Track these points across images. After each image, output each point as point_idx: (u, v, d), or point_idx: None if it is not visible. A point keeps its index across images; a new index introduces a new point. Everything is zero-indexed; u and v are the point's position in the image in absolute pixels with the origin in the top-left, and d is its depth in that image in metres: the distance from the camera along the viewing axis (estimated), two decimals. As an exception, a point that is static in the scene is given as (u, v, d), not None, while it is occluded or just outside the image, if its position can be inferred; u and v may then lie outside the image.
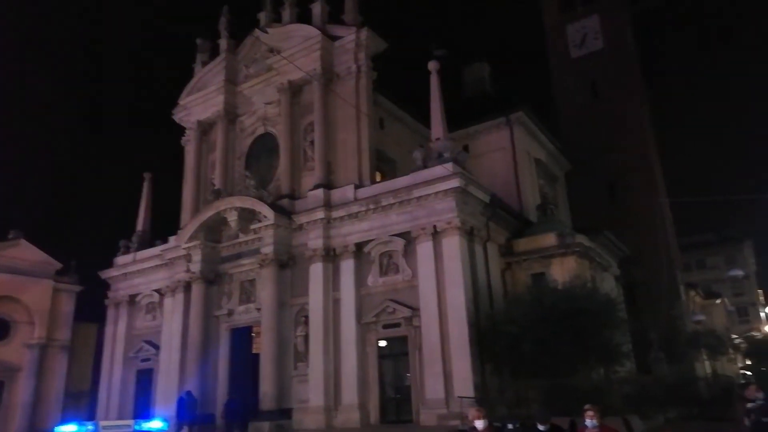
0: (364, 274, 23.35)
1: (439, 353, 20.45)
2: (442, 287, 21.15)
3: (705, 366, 38.64)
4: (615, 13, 42.83)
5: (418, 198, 22.27)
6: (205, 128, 30.98)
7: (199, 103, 30.90)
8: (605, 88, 40.89)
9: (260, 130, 29.02)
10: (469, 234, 22.30)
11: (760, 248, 70.30)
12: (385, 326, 22.47)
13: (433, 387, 20.26)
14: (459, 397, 18.90)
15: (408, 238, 22.50)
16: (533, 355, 18.15)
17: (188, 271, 27.28)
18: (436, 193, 21.89)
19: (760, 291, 69.26)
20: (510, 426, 13.93)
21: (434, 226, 21.81)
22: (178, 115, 32.18)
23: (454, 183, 21.50)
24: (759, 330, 57.60)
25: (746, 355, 45.00)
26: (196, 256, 26.77)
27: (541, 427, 5.94)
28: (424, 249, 21.92)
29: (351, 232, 23.91)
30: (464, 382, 19.55)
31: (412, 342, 21.63)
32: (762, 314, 65.59)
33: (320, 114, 26.10)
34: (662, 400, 23.27)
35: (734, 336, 47.24)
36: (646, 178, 38.98)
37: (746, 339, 46.85)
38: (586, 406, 5.92)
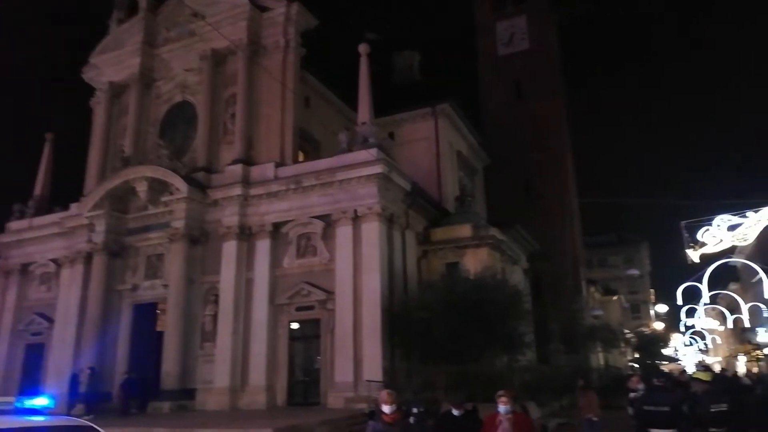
0: (280, 255, 22.88)
1: (351, 337, 20.44)
2: (359, 272, 21.10)
3: (599, 357, 41.33)
4: (542, 16, 44.16)
5: (341, 181, 22.02)
6: (117, 90, 29.01)
7: (112, 64, 28.84)
8: (528, 88, 42.20)
9: (178, 98, 27.54)
10: (389, 220, 22.37)
11: (655, 251, 76.13)
12: (299, 308, 22.17)
13: (342, 370, 20.25)
14: (367, 380, 19.02)
15: (328, 221, 22.24)
16: (443, 341, 18.52)
17: (90, 241, 25.57)
18: (359, 177, 21.74)
19: (652, 290, 75.01)
20: (415, 410, 14.14)
21: (355, 211, 21.68)
22: (88, 75, 29.94)
23: (378, 169, 21.43)
24: (648, 326, 62.35)
25: (635, 349, 48.66)
26: (100, 226, 25.11)
27: (455, 412, 5.87)
28: (344, 233, 21.76)
29: (269, 212, 23.31)
30: (374, 366, 19.69)
31: (325, 325, 21.48)
32: (652, 311, 71.09)
33: (244, 86, 25.12)
34: (558, 389, 24.56)
35: (626, 331, 50.79)
36: (560, 178, 40.75)
37: (636, 334, 50.60)
38: (500, 392, 5.81)
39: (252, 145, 24.63)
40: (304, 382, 21.75)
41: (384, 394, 6.00)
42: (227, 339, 22.11)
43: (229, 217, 23.47)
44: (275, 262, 22.80)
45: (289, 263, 22.67)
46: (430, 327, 18.68)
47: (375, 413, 5.92)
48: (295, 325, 22.35)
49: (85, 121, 29.78)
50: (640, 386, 10.08)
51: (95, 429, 5.92)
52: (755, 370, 44.38)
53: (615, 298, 59.17)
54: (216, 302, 23.03)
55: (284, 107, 24.44)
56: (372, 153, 21.45)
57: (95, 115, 29.48)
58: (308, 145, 27.21)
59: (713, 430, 6.94)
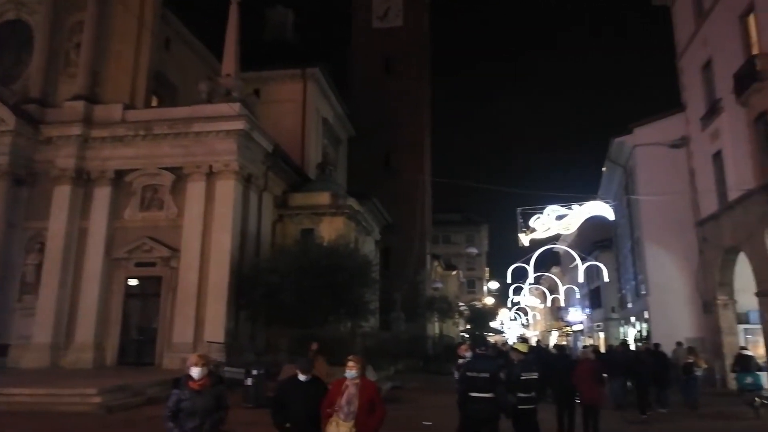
0: (121, 206, 21.21)
1: (194, 297, 19.73)
2: (209, 231, 20.33)
3: (435, 327, 44.37)
4: (418, -4, 44.93)
5: (197, 133, 20.86)
6: (-72, -6, 24.38)
7: (-77, -40, 24.11)
8: (397, 65, 42.96)
9: (10, 15, 23.83)
10: (246, 180, 21.74)
11: (493, 232, 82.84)
12: (139, 264, 20.84)
13: (182, 330, 19.51)
14: (208, 341, 18.55)
15: (179, 174, 21.00)
16: (290, 305, 18.62)
17: None
18: (218, 132, 20.77)
19: (487, 268, 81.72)
20: (255, 372, 14.13)
21: (210, 166, 20.73)
22: None
23: (239, 125, 20.63)
24: (480, 300, 68.03)
25: (468, 321, 53.01)
26: None
27: (302, 377, 5.79)
28: (196, 188, 20.73)
29: (112, 157, 21.40)
30: (216, 328, 19.25)
31: (166, 283, 20.46)
32: (485, 287, 77.60)
33: (93, 15, 22.47)
34: (396, 354, 26.03)
35: (461, 304, 55.06)
36: (417, 156, 42.35)
37: (470, 307, 55.12)
38: (349, 357, 5.75)
39: (98, 82, 22.26)
40: (138, 342, 20.58)
41: (193, 356, 5.45)
42: (52, 292, 20.15)
43: (65, 158, 21.15)
44: (115, 213, 21.11)
45: (131, 215, 21.11)
46: (278, 291, 18.65)
47: (181, 381, 5.38)
48: (133, 282, 21.02)
49: None
50: (468, 354, 10.96)
51: None
52: (563, 343, 50.71)
53: (454, 273, 63.55)
54: (42, 251, 20.82)
55: (139, 45, 22.38)
56: (234, 107, 20.53)
57: None
58: (164, 91, 25.26)
59: (522, 394, 7.90)
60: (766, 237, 16.98)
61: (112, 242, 20.90)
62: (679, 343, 17.99)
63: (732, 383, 17.25)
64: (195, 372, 5.22)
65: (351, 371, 5.53)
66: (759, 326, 18.99)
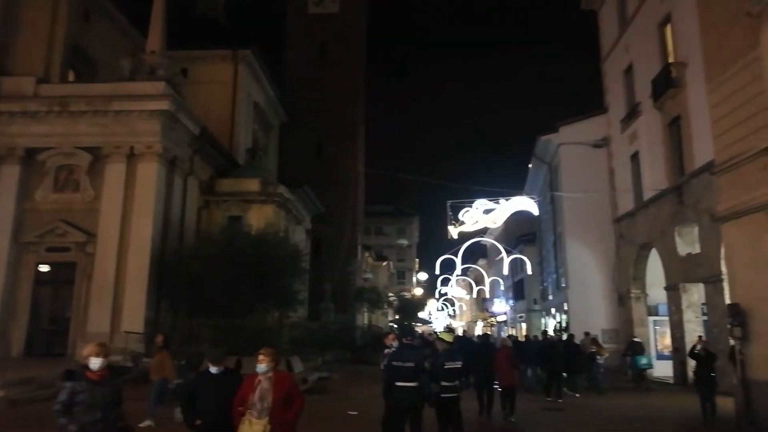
0: (32, 186, 19.83)
1: (111, 285, 18.81)
2: (129, 215, 19.43)
3: (364, 317, 44.55)
4: (355, -17, 44.51)
5: (118, 112, 19.78)
6: None
7: None
8: (332, 52, 42.47)
9: None
10: (170, 163, 20.85)
11: (424, 225, 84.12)
12: (51, 249, 19.60)
13: (98, 320, 18.54)
14: (126, 331, 17.71)
15: (97, 155, 19.86)
16: (215, 294, 18.05)
17: None
18: (141, 111, 19.78)
19: (417, 259, 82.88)
20: (176, 363, 13.55)
21: (131, 148, 19.74)
22: None
23: (164, 105, 19.73)
24: (409, 291, 68.94)
25: (396, 311, 53.64)
26: None
27: (213, 370, 5.42)
28: (115, 170, 19.70)
29: (23, 134, 19.91)
30: (135, 317, 18.47)
31: (81, 270, 19.37)
32: (414, 278, 78.71)
33: (3, -22, 20.76)
34: (324, 345, 25.86)
35: (391, 294, 55.58)
36: (351, 146, 42.18)
37: (399, 298, 55.75)
38: (260, 351, 5.24)
39: (7, 53, 20.59)
40: (49, 331, 19.38)
41: (91, 346, 4.95)
42: (-50, 278, 18.56)
43: (-33, 133, 19.46)
44: (25, 194, 19.73)
45: (42, 197, 19.76)
46: (202, 279, 18.02)
47: (76, 373, 4.90)
48: (44, 268, 19.77)
49: None
50: (395, 344, 11.00)
51: None
52: (488, 332, 52.35)
53: (385, 264, 64.03)
54: (-63, 233, 19.09)
55: (55, 15, 20.94)
56: (158, 86, 19.60)
57: None
58: (82, 66, 23.71)
59: (445, 383, 7.98)
60: (675, 234, 18.08)
61: (21, 225, 19.52)
62: (586, 334, 19.14)
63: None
64: (94, 363, 4.80)
65: (261, 365, 5.10)
66: (666, 318, 20.29)
